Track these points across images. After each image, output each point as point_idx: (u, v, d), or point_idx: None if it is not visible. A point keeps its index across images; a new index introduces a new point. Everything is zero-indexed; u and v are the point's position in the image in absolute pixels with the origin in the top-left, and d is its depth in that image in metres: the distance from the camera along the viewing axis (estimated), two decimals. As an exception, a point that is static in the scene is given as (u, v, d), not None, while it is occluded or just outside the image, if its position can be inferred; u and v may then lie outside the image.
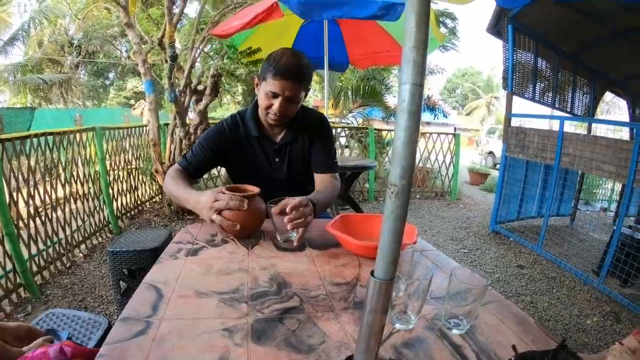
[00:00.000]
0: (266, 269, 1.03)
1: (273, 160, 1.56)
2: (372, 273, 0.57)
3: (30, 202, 2.85)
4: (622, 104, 6.31)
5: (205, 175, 5.45)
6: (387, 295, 0.60)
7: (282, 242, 1.23)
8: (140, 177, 4.91)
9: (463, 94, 40.52)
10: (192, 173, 1.52)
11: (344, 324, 0.79)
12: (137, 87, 19.81)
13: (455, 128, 20.36)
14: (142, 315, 0.78)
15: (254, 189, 1.27)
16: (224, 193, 1.21)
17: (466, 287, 0.77)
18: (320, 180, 1.58)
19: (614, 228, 3.27)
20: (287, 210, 1.14)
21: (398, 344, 0.74)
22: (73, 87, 16.26)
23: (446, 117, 10.11)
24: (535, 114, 4.69)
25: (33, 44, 15.43)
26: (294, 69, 1.35)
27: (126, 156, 4.54)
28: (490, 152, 13.34)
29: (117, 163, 4.33)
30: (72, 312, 1.45)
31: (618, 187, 5.63)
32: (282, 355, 0.68)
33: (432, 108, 7.91)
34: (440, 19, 6.17)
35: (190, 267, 1.02)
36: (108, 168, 4.08)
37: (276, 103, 1.38)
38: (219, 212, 1.18)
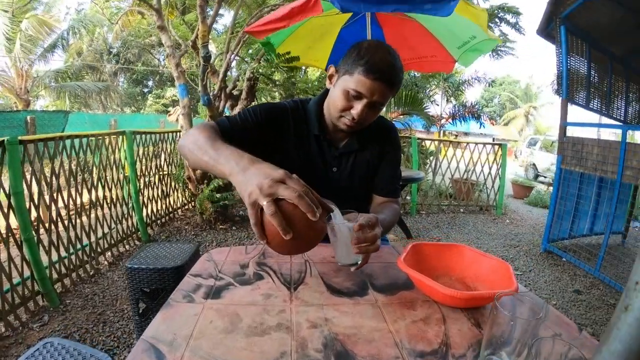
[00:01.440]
0: (317, 327, 0.71)
1: (330, 168, 1.24)
2: None
3: (53, 206, 2.69)
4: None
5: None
6: None
7: (342, 266, 0.96)
8: (172, 183, 4.76)
9: (500, 103, 39.25)
10: (230, 140, 0.99)
11: None
12: (175, 95, 20.15)
13: (493, 138, 19.61)
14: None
15: (330, 202, 0.86)
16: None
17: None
18: (380, 202, 1.27)
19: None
20: (355, 227, 0.85)
21: None
22: (112, 93, 16.74)
23: (484, 127, 9.63)
24: (592, 123, 4.24)
25: (72, 52, 15.99)
26: (390, 69, 1.04)
27: (158, 162, 4.40)
28: (533, 164, 12.70)
29: (149, 169, 4.20)
30: (72, 344, 1.20)
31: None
32: None
33: (476, 117, 7.40)
34: (500, 15, 5.57)
35: (210, 318, 0.73)
36: (139, 173, 3.93)
37: (358, 106, 1.06)
38: (276, 200, 0.72)
